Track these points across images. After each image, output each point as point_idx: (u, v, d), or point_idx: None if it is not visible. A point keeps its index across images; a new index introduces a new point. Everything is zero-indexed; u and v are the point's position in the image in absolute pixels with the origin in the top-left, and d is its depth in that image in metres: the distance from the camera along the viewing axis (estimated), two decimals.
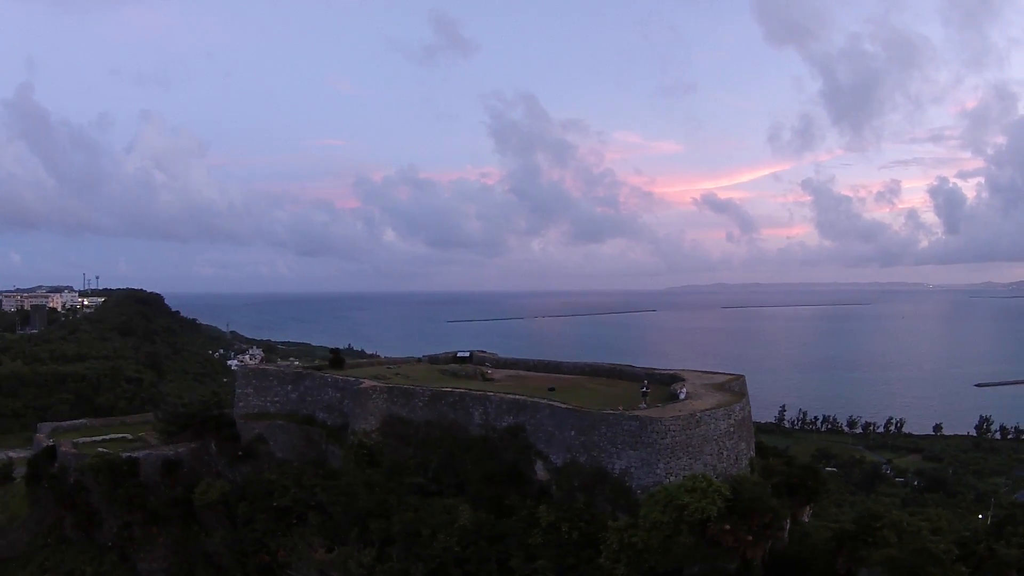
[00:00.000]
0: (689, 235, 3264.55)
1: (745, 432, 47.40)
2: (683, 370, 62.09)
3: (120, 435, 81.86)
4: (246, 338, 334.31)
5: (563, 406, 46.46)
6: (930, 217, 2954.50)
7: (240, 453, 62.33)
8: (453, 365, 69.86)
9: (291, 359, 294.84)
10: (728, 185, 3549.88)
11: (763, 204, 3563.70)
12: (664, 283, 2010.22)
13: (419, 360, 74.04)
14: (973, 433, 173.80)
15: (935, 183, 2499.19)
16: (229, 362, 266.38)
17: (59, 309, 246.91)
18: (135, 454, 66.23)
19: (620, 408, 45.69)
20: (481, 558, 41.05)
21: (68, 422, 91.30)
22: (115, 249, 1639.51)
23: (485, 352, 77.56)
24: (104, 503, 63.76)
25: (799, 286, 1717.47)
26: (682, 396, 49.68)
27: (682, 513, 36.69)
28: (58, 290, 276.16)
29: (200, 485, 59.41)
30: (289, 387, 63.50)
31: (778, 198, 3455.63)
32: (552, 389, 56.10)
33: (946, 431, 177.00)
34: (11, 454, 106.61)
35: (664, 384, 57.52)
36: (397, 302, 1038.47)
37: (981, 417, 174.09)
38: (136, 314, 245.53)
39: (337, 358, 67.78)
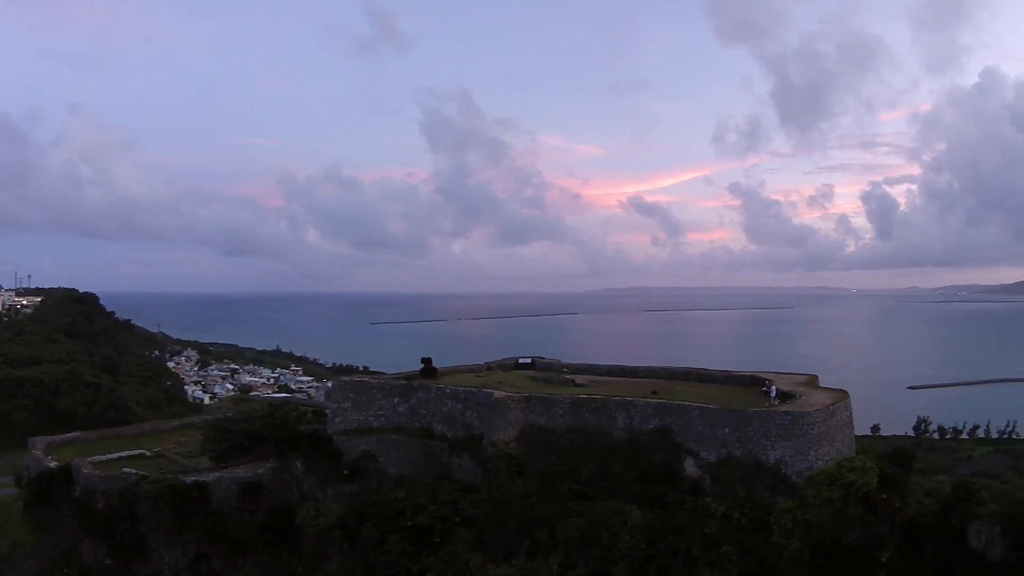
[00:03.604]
0: (613, 238, 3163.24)
1: (851, 422, 54.34)
2: (757, 372, 68.13)
3: (137, 451, 76.94)
4: (175, 339, 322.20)
5: (714, 407, 51.48)
6: (861, 222, 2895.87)
7: (346, 472, 60.03)
8: (540, 372, 72.62)
9: (225, 361, 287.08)
10: (657, 188, 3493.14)
11: (691, 208, 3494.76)
12: (583, 286, 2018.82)
13: (488, 368, 75.93)
14: (911, 434, 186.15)
15: (868, 188, 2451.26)
16: (168, 363, 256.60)
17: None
18: (202, 477, 61.35)
19: (766, 405, 52.23)
20: (670, 552, 44.63)
21: (61, 436, 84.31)
22: (40, 246, 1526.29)
23: (545, 358, 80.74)
24: (162, 533, 59.25)
25: (721, 290, 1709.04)
26: (773, 395, 55.95)
27: (850, 489, 42.71)
28: None
29: (307, 509, 56.04)
30: (396, 399, 62.65)
31: (708, 202, 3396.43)
32: (655, 393, 61.01)
33: (884, 432, 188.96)
34: None
35: (745, 385, 63.81)
36: (319, 303, 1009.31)
37: (919, 418, 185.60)
38: (78, 315, 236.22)
39: (430, 368, 68.11)
